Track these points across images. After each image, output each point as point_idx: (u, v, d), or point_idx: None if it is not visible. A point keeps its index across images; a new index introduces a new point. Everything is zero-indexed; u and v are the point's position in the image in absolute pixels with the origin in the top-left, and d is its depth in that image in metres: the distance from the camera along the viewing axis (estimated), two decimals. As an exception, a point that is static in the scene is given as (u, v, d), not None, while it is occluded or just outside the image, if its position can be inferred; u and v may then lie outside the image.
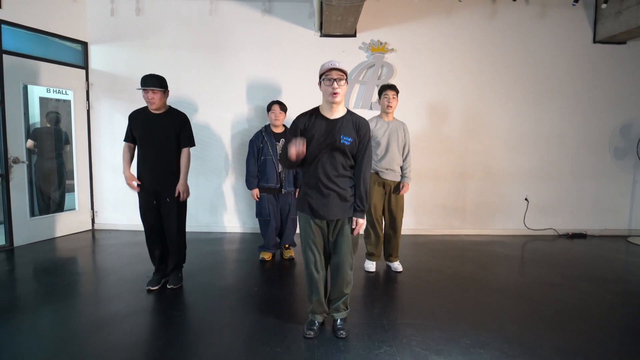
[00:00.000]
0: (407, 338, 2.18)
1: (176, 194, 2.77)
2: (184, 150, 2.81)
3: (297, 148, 1.95)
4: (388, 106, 3.14)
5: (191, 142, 2.86)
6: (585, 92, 4.58)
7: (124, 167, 2.82)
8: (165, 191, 2.79)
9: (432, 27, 4.45)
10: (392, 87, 3.18)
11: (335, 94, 1.97)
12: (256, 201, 3.50)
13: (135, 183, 2.78)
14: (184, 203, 2.88)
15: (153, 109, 2.73)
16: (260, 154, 3.41)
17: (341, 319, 2.23)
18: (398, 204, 3.24)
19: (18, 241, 3.89)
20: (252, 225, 4.56)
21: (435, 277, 3.21)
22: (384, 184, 3.20)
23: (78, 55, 4.47)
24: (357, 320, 2.38)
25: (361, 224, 2.10)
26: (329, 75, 1.97)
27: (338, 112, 2.07)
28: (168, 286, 2.86)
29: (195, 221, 4.53)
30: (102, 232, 4.54)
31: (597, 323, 2.41)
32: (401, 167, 3.22)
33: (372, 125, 3.08)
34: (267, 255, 3.56)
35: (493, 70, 4.51)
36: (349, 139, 2.02)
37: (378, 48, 4.43)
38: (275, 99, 3.56)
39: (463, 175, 4.60)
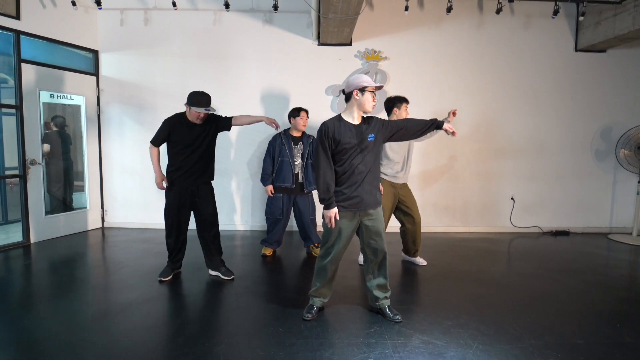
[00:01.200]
0: (395, 321, 2.44)
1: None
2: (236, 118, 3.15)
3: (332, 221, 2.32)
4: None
5: (228, 119, 3.12)
6: (568, 98, 4.86)
7: (157, 168, 3.02)
8: (203, 186, 3.10)
9: (424, 37, 4.74)
10: (407, 100, 3.46)
11: (374, 105, 2.35)
12: (267, 201, 3.75)
13: (164, 183, 3.03)
14: (214, 200, 3.19)
15: (199, 123, 2.97)
16: (278, 156, 3.65)
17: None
18: (410, 198, 3.49)
19: (34, 238, 4.14)
20: (255, 223, 4.83)
21: (424, 269, 3.48)
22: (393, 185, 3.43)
23: (89, 62, 4.73)
24: (351, 304, 2.64)
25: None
26: (372, 91, 2.31)
27: (359, 118, 2.39)
28: (227, 278, 3.14)
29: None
30: (111, 230, 4.79)
31: (564, 308, 2.69)
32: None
33: None
34: (268, 251, 3.81)
35: (481, 78, 4.79)
36: (372, 136, 2.33)
37: (372, 56, 4.71)
38: (299, 106, 3.80)
39: (453, 176, 4.88)
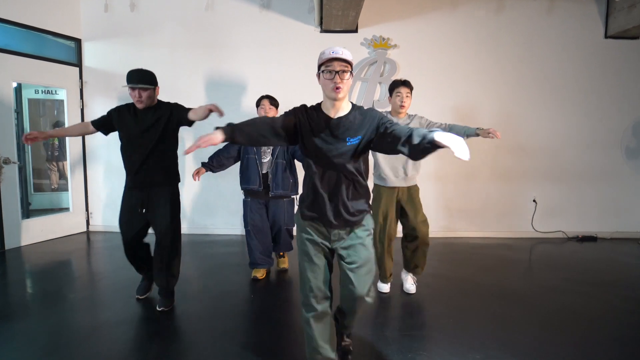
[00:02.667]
0: (412, 352, 2.04)
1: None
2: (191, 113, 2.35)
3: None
4: (401, 106, 2.67)
5: (183, 109, 2.45)
6: (595, 90, 4.41)
7: (52, 133, 2.82)
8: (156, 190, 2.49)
9: (436, 23, 4.30)
10: (406, 84, 2.70)
11: (337, 88, 1.58)
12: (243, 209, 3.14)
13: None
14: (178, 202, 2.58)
15: (141, 107, 2.42)
16: (244, 153, 3.04)
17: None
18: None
19: (9, 244, 3.77)
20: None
21: (440, 282, 3.07)
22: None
23: (71, 52, 4.35)
24: (357, 332, 2.23)
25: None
26: (329, 66, 1.58)
27: (342, 110, 1.67)
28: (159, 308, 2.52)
29: (192, 223, 4.40)
30: (96, 234, 4.42)
31: (598, 327, 2.30)
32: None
33: None
34: (259, 273, 3.11)
35: (499, 68, 4.35)
36: (355, 140, 1.62)
37: (380, 44, 4.28)
38: (264, 94, 3.13)
39: (468, 176, 4.45)
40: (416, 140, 1.40)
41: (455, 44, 4.32)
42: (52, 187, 5.10)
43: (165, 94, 4.22)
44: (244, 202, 3.13)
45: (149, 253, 2.66)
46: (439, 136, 1.34)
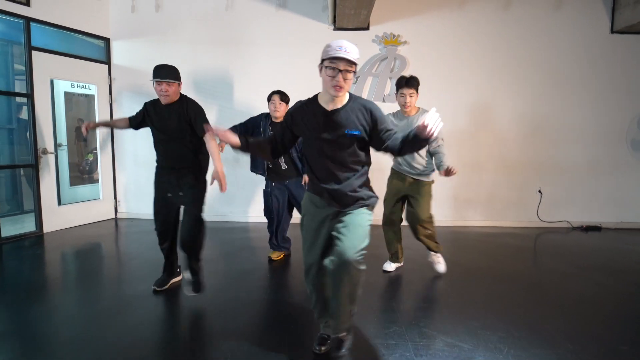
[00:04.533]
0: (415, 319, 2.26)
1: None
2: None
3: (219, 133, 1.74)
4: (405, 105, 2.79)
5: (201, 127, 2.49)
6: (601, 83, 4.52)
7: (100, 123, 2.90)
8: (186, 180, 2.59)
9: (445, 20, 4.47)
10: (409, 83, 2.75)
11: (338, 87, 1.60)
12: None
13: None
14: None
15: (166, 101, 2.51)
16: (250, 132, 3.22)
17: None
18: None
19: (47, 228, 4.11)
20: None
21: (447, 266, 3.26)
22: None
23: (101, 51, 4.66)
24: (366, 302, 2.45)
25: None
26: (334, 63, 1.59)
27: (339, 102, 1.71)
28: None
29: (213, 210, 4.69)
30: (123, 221, 4.74)
31: (604, 311, 2.44)
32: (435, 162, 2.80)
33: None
34: (274, 255, 3.34)
35: (507, 62, 4.50)
36: (355, 131, 1.68)
37: (391, 41, 4.47)
38: (276, 89, 3.26)
39: (475, 167, 4.61)
40: (399, 141, 1.66)
41: (463, 40, 4.48)
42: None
43: (187, 88, 4.53)
44: (265, 192, 3.31)
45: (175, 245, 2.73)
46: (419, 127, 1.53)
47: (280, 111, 3.17)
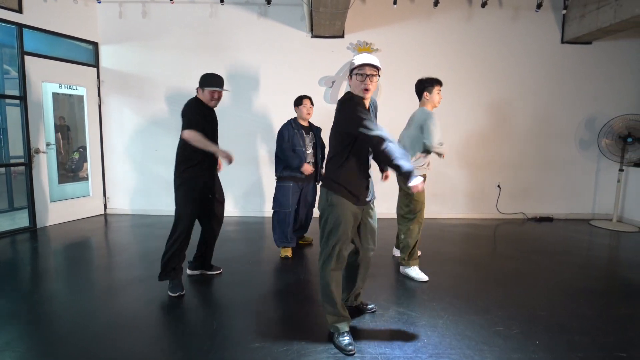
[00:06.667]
0: (374, 294, 2.65)
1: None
2: None
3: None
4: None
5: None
6: (554, 88, 5.01)
7: (214, 147, 2.64)
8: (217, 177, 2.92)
9: (414, 29, 4.87)
10: (440, 82, 3.17)
11: (366, 90, 1.95)
12: (275, 192, 3.44)
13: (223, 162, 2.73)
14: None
15: (214, 106, 2.81)
16: (291, 145, 3.35)
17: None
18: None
19: (40, 223, 4.35)
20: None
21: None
22: None
23: (90, 54, 4.89)
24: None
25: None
26: (361, 70, 1.94)
27: (368, 102, 2.07)
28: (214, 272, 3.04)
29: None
30: (113, 217, 5.00)
31: (534, 284, 2.91)
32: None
33: None
34: (288, 252, 3.47)
35: (471, 68, 4.94)
36: None
37: (364, 48, 4.85)
38: (304, 94, 3.49)
39: (441, 165, 5.04)
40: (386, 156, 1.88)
41: (431, 47, 4.90)
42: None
43: (173, 92, 4.83)
44: (284, 186, 3.39)
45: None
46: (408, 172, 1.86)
47: (311, 114, 3.44)
